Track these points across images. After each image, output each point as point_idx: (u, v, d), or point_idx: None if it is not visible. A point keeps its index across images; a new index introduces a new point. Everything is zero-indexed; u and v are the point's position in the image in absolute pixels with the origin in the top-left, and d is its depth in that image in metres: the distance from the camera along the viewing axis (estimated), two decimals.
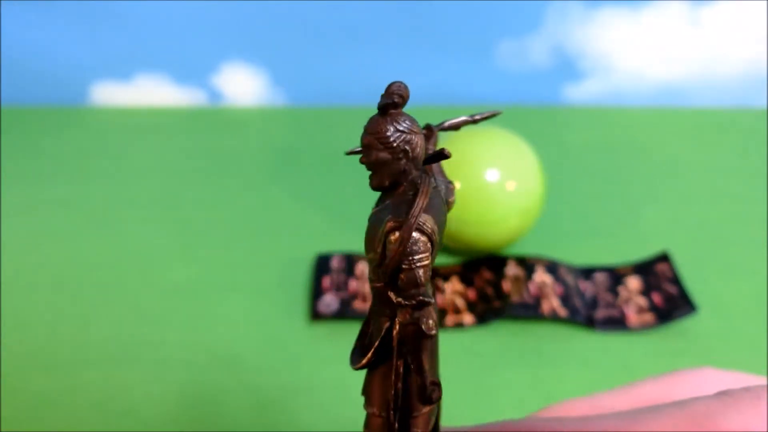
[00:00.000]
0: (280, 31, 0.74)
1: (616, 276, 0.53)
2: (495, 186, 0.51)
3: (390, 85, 0.22)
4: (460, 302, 0.50)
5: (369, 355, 0.22)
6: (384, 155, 0.22)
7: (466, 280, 0.52)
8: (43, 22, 0.73)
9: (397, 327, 0.22)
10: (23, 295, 0.52)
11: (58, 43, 0.74)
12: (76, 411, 0.43)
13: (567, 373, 0.46)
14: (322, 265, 0.53)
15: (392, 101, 0.22)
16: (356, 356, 0.23)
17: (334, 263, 0.53)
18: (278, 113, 0.77)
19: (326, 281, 0.52)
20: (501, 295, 0.50)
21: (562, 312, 0.49)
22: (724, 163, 0.68)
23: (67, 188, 0.64)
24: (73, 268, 0.54)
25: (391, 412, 0.22)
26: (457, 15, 0.73)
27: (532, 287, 0.50)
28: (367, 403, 0.23)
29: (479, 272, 0.52)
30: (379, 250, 0.21)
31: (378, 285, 0.22)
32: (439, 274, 0.52)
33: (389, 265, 0.21)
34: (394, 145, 0.22)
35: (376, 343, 0.22)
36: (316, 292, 0.51)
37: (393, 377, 0.22)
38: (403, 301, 0.21)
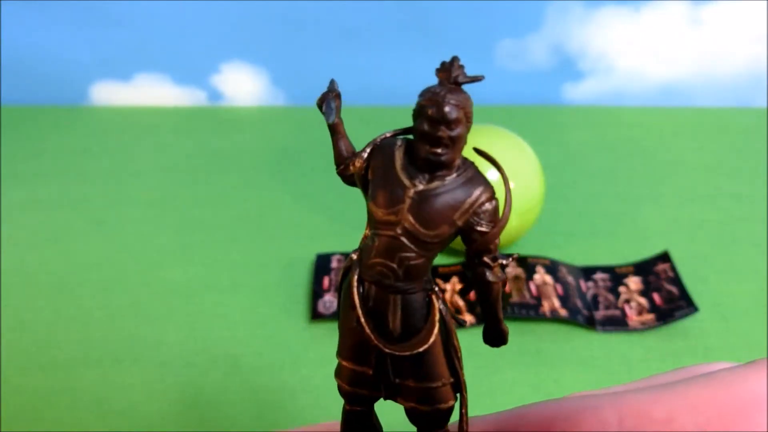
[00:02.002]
0: (280, 31, 0.74)
1: (616, 276, 0.53)
2: (495, 186, 0.51)
3: (453, 60, 0.23)
4: (460, 302, 0.50)
5: (435, 331, 0.23)
6: (464, 131, 0.23)
7: (466, 280, 0.52)
8: (43, 22, 0.73)
9: (438, 300, 0.24)
10: (23, 295, 0.52)
11: (58, 43, 0.74)
12: (76, 411, 0.43)
13: (567, 373, 0.46)
14: (322, 265, 0.53)
15: (472, 77, 0.23)
16: (395, 339, 0.23)
17: (334, 263, 0.53)
18: (278, 113, 0.77)
19: (326, 281, 0.52)
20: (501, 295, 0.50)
21: (563, 312, 0.49)
22: (724, 163, 0.68)
23: (67, 188, 0.64)
24: (73, 268, 0.54)
25: (461, 371, 0.24)
26: (457, 15, 0.73)
27: (533, 287, 0.50)
28: (428, 379, 0.23)
29: None
30: (461, 222, 0.23)
31: (419, 260, 0.23)
32: (439, 274, 0.52)
33: (498, 230, 0.23)
34: (471, 121, 0.23)
35: (437, 321, 0.23)
36: (316, 292, 0.51)
37: (455, 342, 0.24)
38: (496, 262, 0.24)
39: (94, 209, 0.61)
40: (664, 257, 0.53)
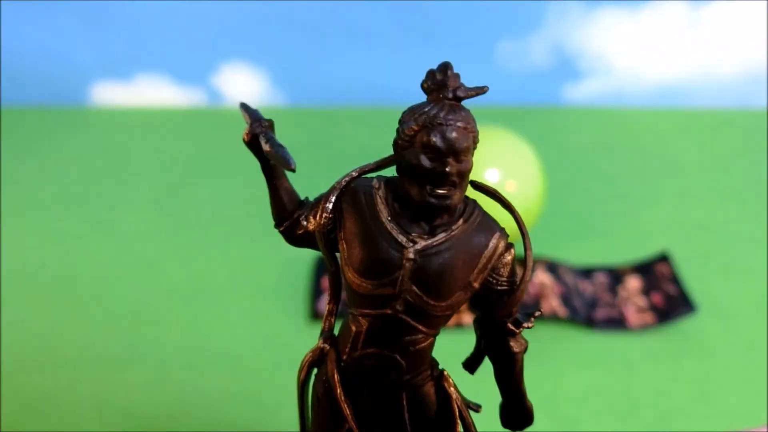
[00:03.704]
0: (280, 31, 0.74)
1: (615, 276, 0.53)
2: (495, 186, 0.51)
3: (446, 68, 0.18)
4: None
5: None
6: (471, 165, 0.18)
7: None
8: (43, 22, 0.73)
9: (451, 387, 0.18)
10: (23, 295, 0.52)
11: (58, 43, 0.74)
12: (76, 411, 0.43)
13: (567, 373, 0.46)
14: (322, 265, 0.53)
15: (476, 89, 0.18)
16: None
17: None
18: (278, 113, 0.76)
19: (326, 281, 0.52)
20: None
21: (562, 312, 0.49)
22: (724, 163, 0.68)
23: (67, 188, 0.64)
24: (73, 268, 0.54)
25: None
26: (457, 15, 0.73)
27: (532, 287, 0.50)
28: None
29: None
30: (477, 283, 0.18)
31: (426, 342, 0.17)
32: None
33: (522, 292, 0.18)
34: (476, 147, 0.18)
35: (458, 418, 0.18)
36: (316, 292, 0.51)
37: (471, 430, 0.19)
38: (520, 327, 0.18)
39: (94, 209, 0.61)
40: (664, 257, 0.53)
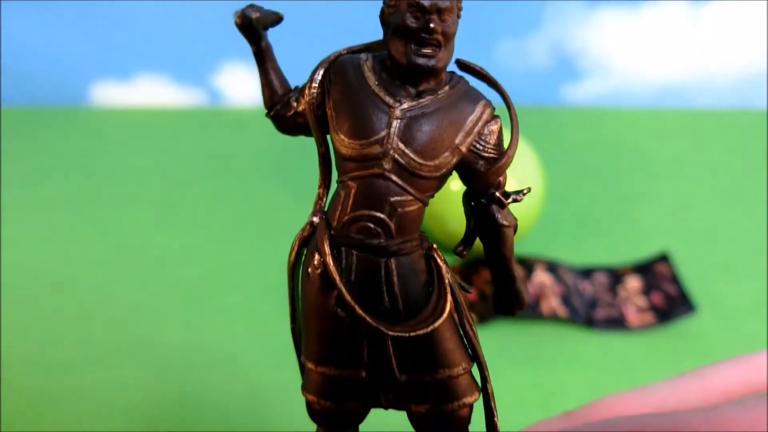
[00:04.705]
0: (281, 31, 0.74)
1: (615, 276, 0.53)
2: None
3: None
4: None
5: (450, 299, 0.18)
6: (455, 28, 0.18)
7: (466, 281, 0.52)
8: (43, 22, 0.73)
9: (441, 259, 0.18)
10: (23, 295, 0.52)
11: (58, 43, 0.74)
12: (76, 411, 0.43)
13: (567, 372, 0.46)
14: None
15: None
16: (397, 318, 0.17)
17: None
18: None
19: None
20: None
21: (562, 312, 0.49)
22: (724, 163, 0.68)
23: (67, 188, 0.64)
24: (73, 268, 0.54)
25: (480, 350, 0.19)
26: None
27: (532, 287, 0.50)
28: (446, 365, 0.18)
29: (479, 272, 0.52)
30: (464, 147, 0.18)
31: (416, 207, 0.17)
32: None
33: (509, 158, 0.19)
34: (459, 19, 0.19)
35: (448, 285, 0.18)
36: None
37: (467, 312, 0.19)
38: (508, 198, 0.19)
39: (95, 209, 0.61)
40: (664, 257, 0.53)
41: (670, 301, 0.50)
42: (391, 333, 0.17)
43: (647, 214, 0.61)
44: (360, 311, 0.17)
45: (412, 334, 0.17)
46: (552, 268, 0.52)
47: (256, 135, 0.72)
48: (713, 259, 0.55)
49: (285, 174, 0.66)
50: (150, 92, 0.77)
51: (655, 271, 0.52)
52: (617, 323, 0.49)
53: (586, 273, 0.53)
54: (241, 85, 0.77)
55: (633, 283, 0.52)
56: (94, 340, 0.48)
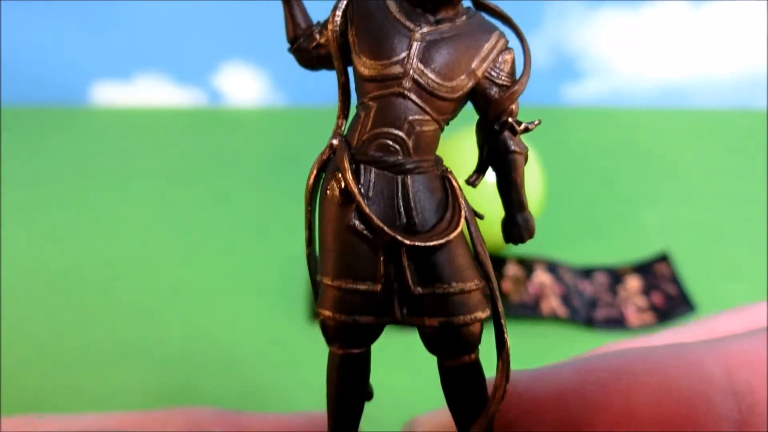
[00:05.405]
0: (281, 31, 0.74)
1: (615, 276, 0.53)
2: (495, 186, 0.51)
3: None
4: None
5: (464, 214, 0.18)
6: None
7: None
8: (43, 22, 0.73)
9: (452, 177, 0.19)
10: (23, 295, 0.52)
11: (58, 43, 0.74)
12: (76, 411, 0.43)
13: None
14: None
15: None
16: (413, 231, 0.18)
17: None
18: (279, 113, 0.77)
19: None
20: (501, 295, 0.50)
21: (562, 312, 0.49)
22: (724, 163, 0.68)
23: (67, 188, 0.64)
24: (73, 268, 0.54)
25: (491, 270, 0.19)
26: None
27: (532, 287, 0.50)
28: (461, 279, 0.19)
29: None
30: (480, 72, 0.19)
31: (433, 128, 0.18)
32: None
33: (522, 86, 0.19)
34: None
35: (462, 202, 0.19)
36: (317, 292, 0.51)
37: (477, 240, 0.19)
38: (521, 126, 0.20)
39: (94, 209, 0.61)
40: (664, 257, 0.53)
41: (670, 301, 0.50)
42: (407, 242, 0.18)
43: (647, 214, 0.61)
44: (378, 221, 0.18)
45: (428, 243, 0.18)
46: (552, 268, 0.52)
47: (256, 135, 0.72)
48: (713, 259, 0.55)
49: (285, 174, 0.66)
50: (150, 92, 0.77)
51: (655, 271, 0.52)
52: (617, 323, 0.49)
53: (586, 273, 0.53)
54: (241, 85, 0.77)
55: (633, 283, 0.52)
56: (94, 340, 0.48)
